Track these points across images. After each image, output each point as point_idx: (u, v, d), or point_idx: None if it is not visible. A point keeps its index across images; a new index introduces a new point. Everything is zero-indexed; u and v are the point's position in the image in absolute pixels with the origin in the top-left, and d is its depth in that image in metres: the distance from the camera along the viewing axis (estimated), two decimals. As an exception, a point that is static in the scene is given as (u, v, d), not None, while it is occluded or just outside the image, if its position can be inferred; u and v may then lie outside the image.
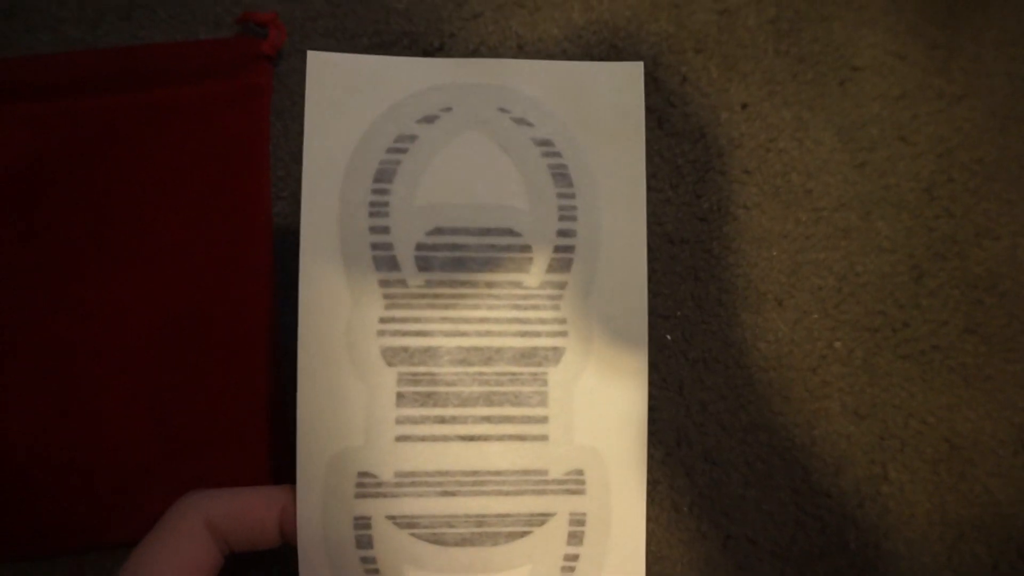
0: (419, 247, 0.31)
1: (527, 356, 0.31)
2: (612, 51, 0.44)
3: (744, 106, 0.45)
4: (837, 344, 0.43)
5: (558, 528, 0.31)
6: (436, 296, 0.31)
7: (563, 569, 0.31)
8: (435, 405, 0.31)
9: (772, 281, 0.43)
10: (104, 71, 0.39)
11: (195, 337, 0.38)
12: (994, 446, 0.43)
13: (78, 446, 0.37)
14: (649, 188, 0.43)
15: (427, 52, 0.43)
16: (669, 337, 0.42)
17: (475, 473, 0.30)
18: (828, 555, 0.41)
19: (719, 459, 0.42)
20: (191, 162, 0.39)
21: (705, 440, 0.42)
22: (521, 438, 0.31)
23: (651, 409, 0.41)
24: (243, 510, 0.30)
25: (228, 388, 0.38)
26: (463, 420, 0.31)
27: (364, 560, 0.30)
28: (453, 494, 0.30)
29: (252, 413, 0.38)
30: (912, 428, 0.43)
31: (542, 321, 0.31)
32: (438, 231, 0.31)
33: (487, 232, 0.31)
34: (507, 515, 0.31)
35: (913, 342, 0.44)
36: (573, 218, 0.32)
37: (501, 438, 0.31)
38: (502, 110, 0.32)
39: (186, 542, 0.29)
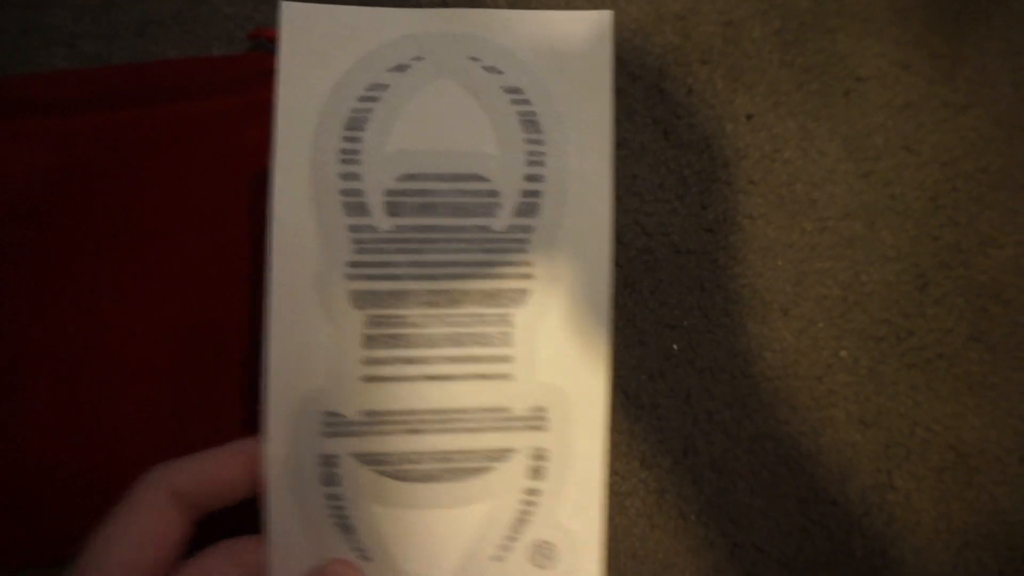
0: (389, 193, 0.32)
1: (493, 298, 0.32)
2: (618, 63, 0.45)
3: (749, 117, 0.46)
4: (843, 353, 0.44)
5: (520, 463, 0.32)
6: (405, 241, 0.32)
7: (524, 503, 0.32)
8: (402, 346, 0.32)
9: (778, 291, 0.44)
10: (118, 87, 0.40)
11: (207, 346, 0.40)
12: (1000, 454, 0.44)
13: (90, 455, 0.38)
14: (655, 199, 0.44)
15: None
16: (676, 347, 0.43)
17: (440, 412, 0.31)
18: (834, 563, 0.42)
19: (726, 468, 0.43)
20: (208, 176, 0.40)
21: (712, 449, 0.43)
22: (486, 377, 0.32)
23: (657, 419, 0.42)
24: (211, 472, 0.31)
25: (240, 396, 0.39)
26: (430, 361, 0.32)
27: (330, 497, 0.31)
28: (419, 432, 0.31)
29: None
30: (918, 436, 0.44)
31: (509, 264, 0.32)
32: (408, 177, 0.32)
33: (456, 178, 0.32)
34: (471, 451, 0.32)
35: (918, 351, 0.44)
36: (541, 163, 0.33)
37: (467, 377, 0.31)
38: (473, 59, 0.33)
39: (147, 515, 0.29)
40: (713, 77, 0.46)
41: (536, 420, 0.32)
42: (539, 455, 0.32)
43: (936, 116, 0.47)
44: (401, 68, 0.33)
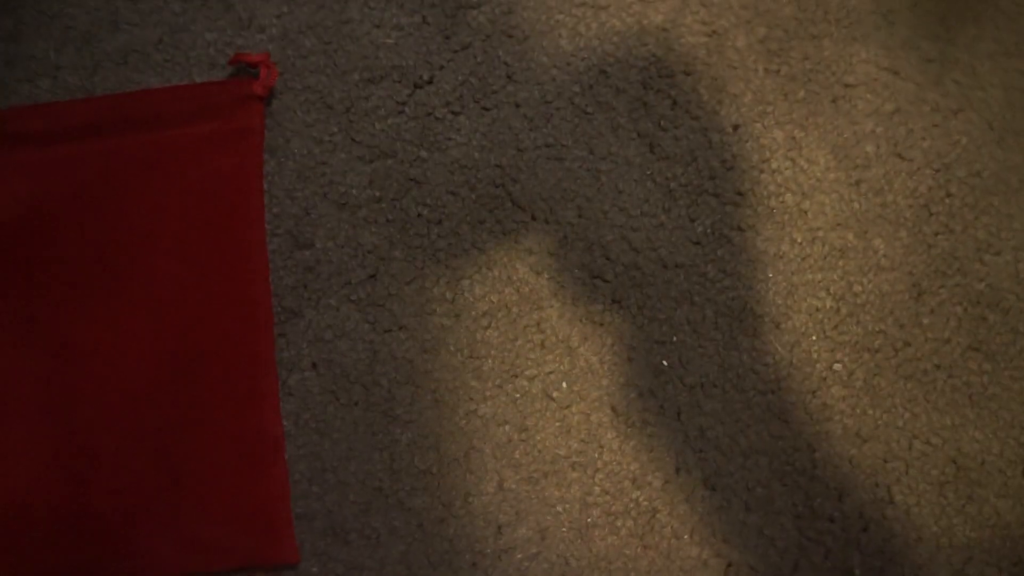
0: None
1: None
2: (601, 76, 0.45)
3: (736, 127, 0.45)
4: (837, 366, 0.44)
5: None
6: None
7: None
8: None
9: (769, 303, 0.44)
10: (100, 117, 0.41)
11: (193, 375, 0.40)
12: (1002, 466, 0.43)
13: (78, 485, 0.38)
14: (641, 213, 0.44)
15: (417, 85, 0.44)
16: (665, 363, 0.43)
17: None
18: (833, 581, 0.42)
19: (719, 485, 0.42)
20: (187, 203, 0.40)
21: (704, 466, 0.42)
22: None
23: (648, 437, 0.42)
24: None
25: (226, 424, 0.40)
26: None
27: None
28: None
29: (249, 448, 0.39)
30: (916, 450, 0.43)
31: None
32: None
33: None
34: None
35: (915, 362, 0.44)
36: None
37: None
38: None
39: None
40: (697, 88, 0.46)
41: None
42: None
43: (927, 121, 0.46)
44: None
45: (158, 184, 0.40)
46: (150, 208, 0.40)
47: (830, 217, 0.45)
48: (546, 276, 0.43)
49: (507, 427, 0.42)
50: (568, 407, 0.42)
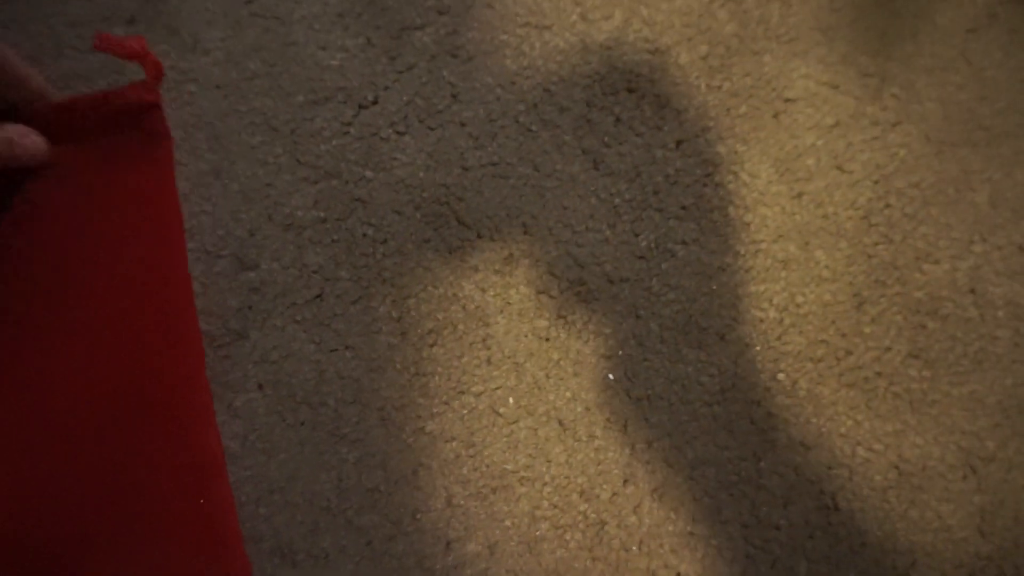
0: None
1: None
2: (545, 95, 0.46)
3: (679, 143, 0.46)
4: (780, 375, 0.44)
5: None
6: None
7: None
8: None
9: (713, 315, 0.45)
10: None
11: (127, 405, 0.40)
12: (943, 471, 0.44)
13: (33, 523, 0.39)
14: (586, 229, 0.45)
15: (362, 106, 0.45)
16: (612, 376, 0.44)
17: None
18: (778, 589, 0.42)
19: (666, 496, 0.43)
20: (101, 224, 0.40)
21: (652, 478, 0.43)
22: None
23: (595, 450, 0.43)
24: None
25: (165, 446, 0.40)
26: None
27: None
28: None
29: (190, 468, 0.40)
30: (860, 456, 0.44)
31: None
32: None
33: None
34: None
35: (857, 370, 0.45)
36: None
37: None
38: None
39: None
40: (641, 105, 0.47)
41: None
42: None
43: (866, 134, 0.47)
44: None
45: (68, 199, 0.41)
46: (64, 224, 0.40)
47: (772, 229, 0.46)
48: (492, 293, 0.44)
49: (455, 443, 0.42)
50: (515, 422, 0.43)
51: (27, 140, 0.39)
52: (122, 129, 0.41)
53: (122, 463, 0.40)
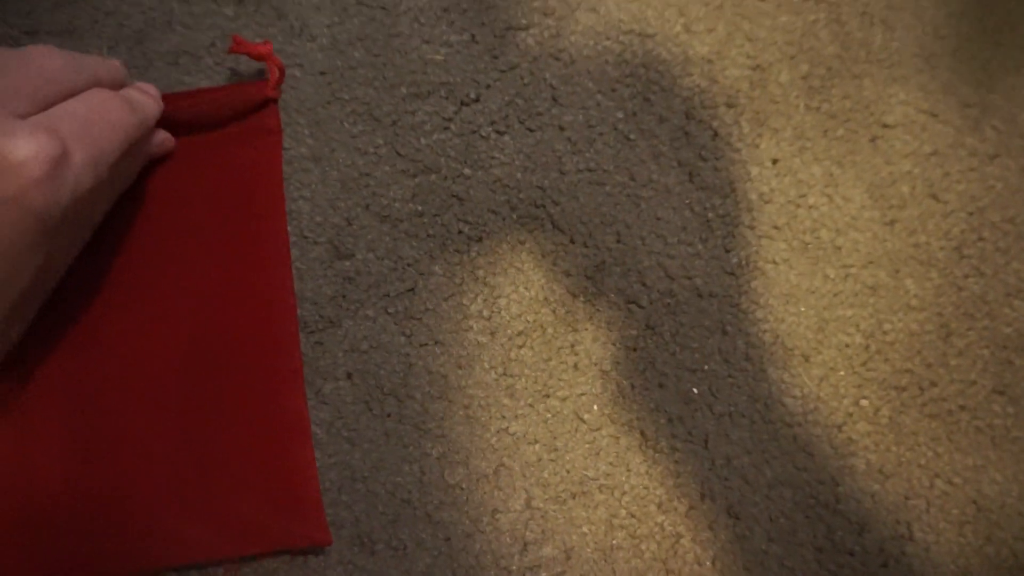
0: None
1: None
2: (645, 104, 0.46)
3: (775, 161, 0.46)
4: (863, 402, 0.45)
5: None
6: None
7: None
8: None
9: (799, 337, 0.45)
10: None
11: (219, 364, 0.41)
12: (1022, 509, 0.44)
13: (110, 477, 0.39)
14: (678, 241, 0.45)
15: (463, 103, 0.45)
16: (696, 391, 0.44)
17: None
18: (851, 615, 0.43)
19: (743, 514, 0.43)
20: (208, 195, 0.43)
21: (729, 495, 0.43)
22: None
23: (675, 463, 0.43)
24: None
25: (249, 407, 0.41)
26: None
27: None
28: None
29: (275, 430, 0.40)
30: (938, 488, 0.44)
31: None
32: None
33: None
34: None
35: (940, 401, 0.45)
36: None
37: None
38: None
39: None
40: (739, 121, 0.47)
41: None
42: None
43: (963, 165, 0.47)
44: None
45: (171, 177, 0.42)
46: (171, 201, 0.42)
47: (863, 255, 0.46)
48: (582, 299, 0.44)
49: (537, 446, 0.43)
50: (598, 429, 0.43)
51: (164, 142, 0.42)
52: (239, 121, 0.43)
53: (206, 423, 0.40)
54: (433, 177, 0.45)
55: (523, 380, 0.43)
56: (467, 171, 0.45)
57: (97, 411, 0.40)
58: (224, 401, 0.41)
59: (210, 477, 0.40)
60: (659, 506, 0.43)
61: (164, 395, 0.41)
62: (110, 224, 0.41)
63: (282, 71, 0.43)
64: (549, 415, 0.43)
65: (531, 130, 0.46)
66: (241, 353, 0.41)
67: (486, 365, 0.43)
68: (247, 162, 0.43)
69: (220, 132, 0.43)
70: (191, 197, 0.43)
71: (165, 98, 0.43)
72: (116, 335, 0.41)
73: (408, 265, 0.44)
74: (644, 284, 0.45)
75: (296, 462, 0.41)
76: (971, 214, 0.47)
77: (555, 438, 0.43)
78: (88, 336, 0.41)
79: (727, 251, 0.46)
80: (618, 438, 0.43)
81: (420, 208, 0.44)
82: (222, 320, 0.42)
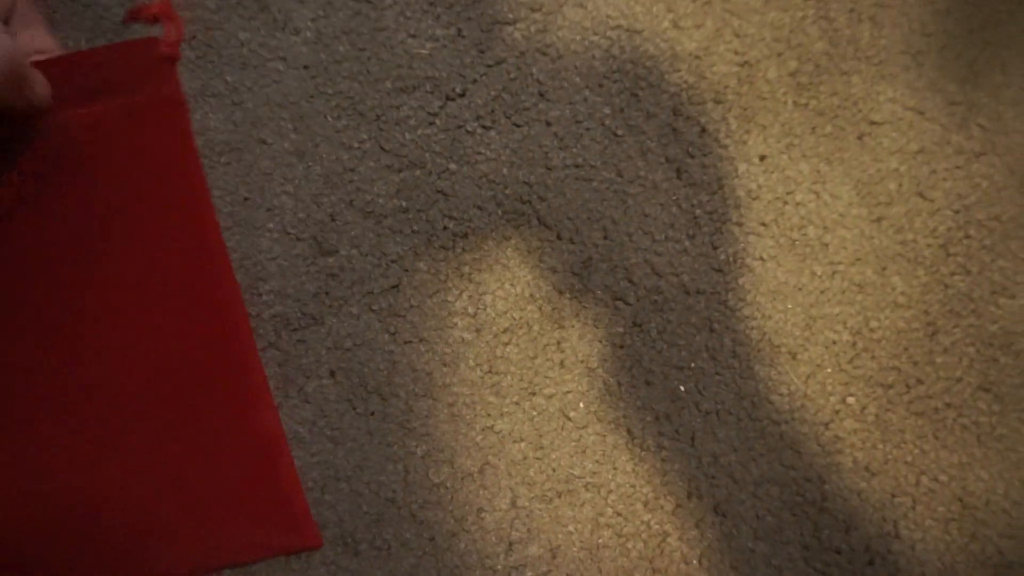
0: None
1: None
2: (633, 100, 0.46)
3: (762, 158, 0.46)
4: (850, 399, 0.45)
5: None
6: None
7: None
8: None
9: (786, 334, 0.45)
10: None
11: (179, 376, 0.40)
12: (1007, 507, 0.44)
13: (79, 492, 0.39)
14: (666, 238, 0.45)
15: (449, 97, 0.45)
16: (683, 388, 0.44)
17: None
18: (837, 613, 0.43)
19: (729, 512, 0.43)
20: (122, 194, 0.37)
21: (716, 493, 0.43)
22: None
23: (661, 460, 0.43)
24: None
25: (225, 435, 0.40)
26: None
27: None
28: None
29: (254, 451, 0.40)
30: (924, 486, 0.44)
31: None
32: None
33: None
34: None
35: (926, 399, 0.45)
36: None
37: None
38: None
39: None
40: (727, 117, 0.47)
41: None
42: None
43: (950, 163, 0.47)
44: None
45: (80, 176, 0.36)
46: (79, 208, 0.36)
47: (850, 252, 0.46)
48: (568, 295, 0.44)
49: (523, 444, 0.43)
50: (584, 427, 0.43)
51: (37, 84, 0.33)
52: (132, 91, 0.36)
53: (182, 439, 0.40)
54: (418, 172, 0.44)
55: (509, 378, 0.43)
56: (452, 166, 0.45)
57: (90, 419, 0.39)
58: (192, 427, 0.40)
59: (192, 498, 0.39)
60: (645, 504, 0.43)
61: (140, 413, 0.40)
62: (26, 246, 0.37)
63: (179, 28, 0.37)
64: (535, 413, 0.43)
65: (517, 125, 0.45)
66: (197, 378, 0.39)
67: (471, 363, 0.43)
68: (151, 143, 0.37)
69: (111, 104, 0.36)
70: (95, 193, 0.36)
71: (43, 64, 0.35)
72: (83, 343, 0.39)
73: (392, 261, 0.43)
74: (631, 281, 0.45)
75: (276, 474, 0.40)
76: (957, 212, 0.47)
77: (541, 436, 0.43)
78: (58, 340, 0.40)
79: (714, 248, 0.46)
80: (604, 436, 0.43)
81: (405, 204, 0.44)
82: (169, 346, 0.38)
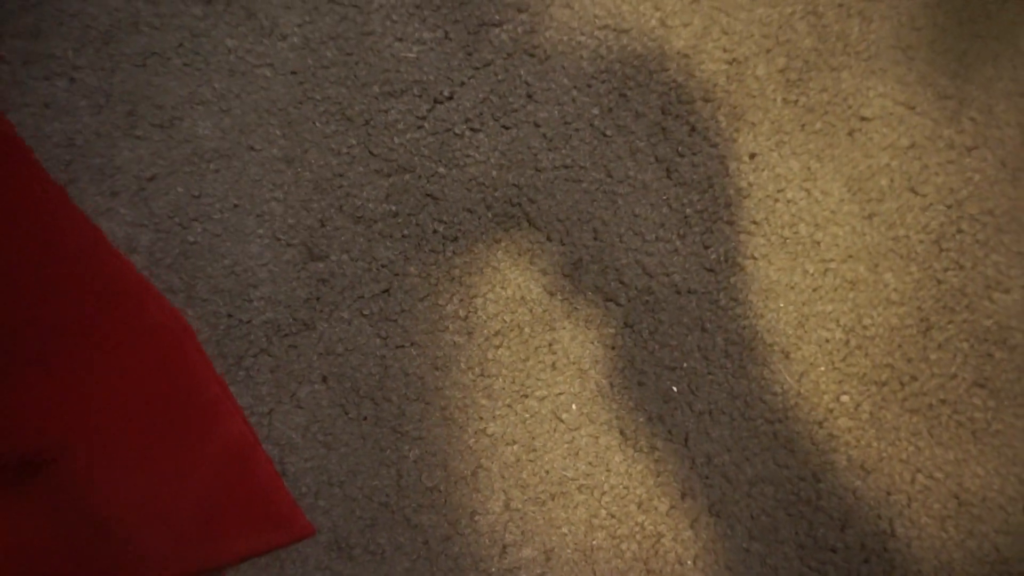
0: None
1: None
2: (621, 99, 0.46)
3: (752, 156, 0.46)
4: (844, 397, 0.45)
5: None
6: None
7: None
8: None
9: (779, 333, 0.45)
10: None
11: (145, 425, 0.40)
12: (1003, 503, 0.44)
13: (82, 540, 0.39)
14: (656, 238, 0.45)
15: (437, 101, 0.45)
16: (675, 389, 0.44)
17: None
18: (833, 612, 0.43)
19: (724, 512, 0.43)
20: None
21: (710, 493, 0.43)
22: None
23: (655, 461, 0.43)
24: None
25: (197, 450, 0.40)
26: None
27: None
28: None
29: (229, 459, 0.40)
30: (919, 483, 0.44)
31: None
32: None
33: None
34: None
35: (921, 396, 0.45)
36: None
37: None
38: None
39: None
40: (716, 115, 0.47)
41: None
42: None
43: (941, 157, 0.48)
44: None
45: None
46: None
47: (842, 249, 0.46)
48: (559, 297, 0.44)
49: (515, 447, 0.43)
50: (577, 429, 0.43)
51: None
52: None
53: (159, 467, 0.40)
54: (407, 176, 0.45)
55: (501, 380, 0.43)
56: (442, 170, 0.45)
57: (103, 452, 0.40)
58: (164, 450, 0.41)
59: (179, 512, 0.40)
60: (639, 505, 0.43)
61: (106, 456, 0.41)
62: None
63: None
64: (527, 415, 0.43)
65: (506, 127, 0.46)
66: (156, 406, 0.41)
67: (463, 366, 0.43)
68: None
69: None
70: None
71: None
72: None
73: (383, 266, 0.44)
74: (622, 282, 0.45)
75: (252, 475, 0.41)
76: (949, 207, 0.47)
77: (534, 438, 0.43)
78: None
79: (706, 247, 0.46)
80: (597, 437, 0.43)
81: (394, 208, 0.44)
82: (128, 386, 0.40)
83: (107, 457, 0.40)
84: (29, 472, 0.39)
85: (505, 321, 0.44)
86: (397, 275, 0.44)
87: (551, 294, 0.44)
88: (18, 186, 0.39)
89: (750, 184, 0.47)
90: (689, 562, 0.43)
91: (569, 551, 0.42)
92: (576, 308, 0.45)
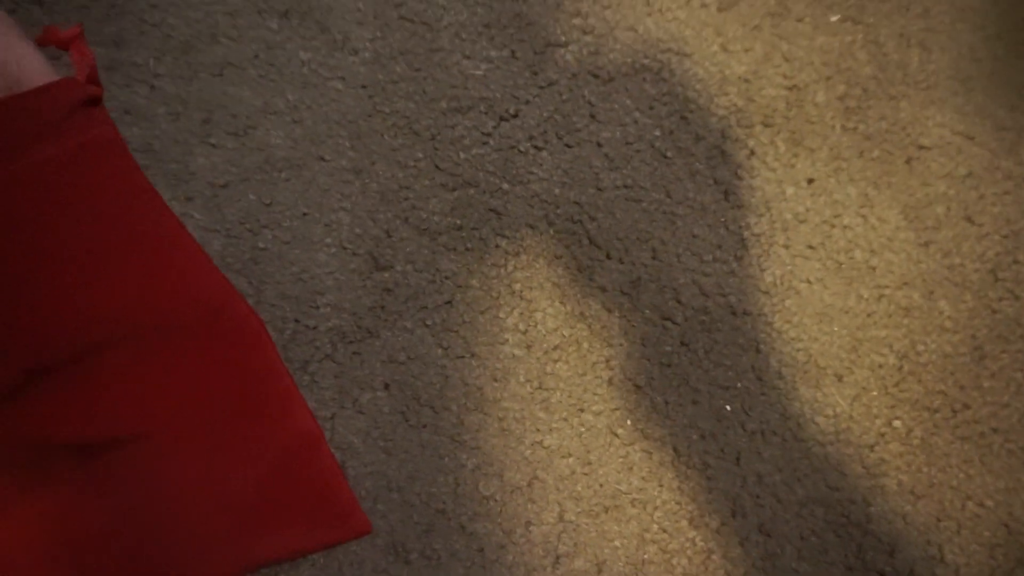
0: None
1: None
2: (682, 122, 0.47)
3: (810, 181, 0.47)
4: (896, 422, 0.45)
5: None
6: None
7: None
8: None
9: (832, 356, 0.46)
10: None
11: (216, 415, 0.42)
12: (1052, 534, 0.45)
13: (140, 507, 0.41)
14: (714, 259, 0.46)
15: (502, 118, 0.46)
16: (728, 408, 0.45)
17: None
18: (881, 636, 0.43)
19: (774, 531, 0.44)
20: (95, 231, 0.35)
21: (760, 512, 0.44)
22: None
23: (707, 479, 0.44)
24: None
25: (264, 443, 0.41)
26: None
27: None
28: None
29: (294, 454, 0.41)
30: (969, 511, 0.45)
31: None
32: None
33: None
34: None
35: (973, 424, 0.46)
36: None
37: None
38: None
39: None
40: (775, 140, 0.48)
41: None
42: None
43: (998, 188, 0.48)
44: None
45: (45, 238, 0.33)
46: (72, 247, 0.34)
47: (897, 276, 0.47)
48: (617, 314, 0.45)
49: (571, 459, 0.44)
50: (631, 444, 0.44)
51: None
52: (59, 138, 0.32)
53: (224, 456, 0.41)
54: (472, 191, 0.46)
55: (558, 394, 0.44)
56: (505, 186, 0.46)
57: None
58: (232, 440, 0.42)
59: (241, 503, 0.41)
60: (691, 521, 0.44)
61: (173, 446, 0.42)
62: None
63: (92, 63, 0.33)
64: (583, 429, 0.44)
65: (569, 146, 0.47)
66: (228, 395, 0.42)
67: (521, 378, 0.44)
68: (100, 187, 0.34)
69: (41, 154, 0.32)
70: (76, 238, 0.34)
71: None
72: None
73: (446, 278, 0.45)
74: (679, 301, 0.46)
75: (317, 469, 0.42)
76: (1006, 236, 0.48)
77: (589, 452, 0.44)
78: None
79: (762, 270, 0.47)
80: (651, 453, 0.44)
81: (459, 222, 0.46)
82: (199, 374, 0.41)
83: (181, 442, 0.41)
84: (100, 453, 0.41)
85: (564, 336, 0.45)
86: (459, 287, 0.45)
87: (609, 311, 0.45)
88: (127, 189, 0.40)
89: (807, 209, 0.47)
90: (738, 580, 0.44)
91: (621, 564, 0.43)
92: (633, 325, 0.46)
